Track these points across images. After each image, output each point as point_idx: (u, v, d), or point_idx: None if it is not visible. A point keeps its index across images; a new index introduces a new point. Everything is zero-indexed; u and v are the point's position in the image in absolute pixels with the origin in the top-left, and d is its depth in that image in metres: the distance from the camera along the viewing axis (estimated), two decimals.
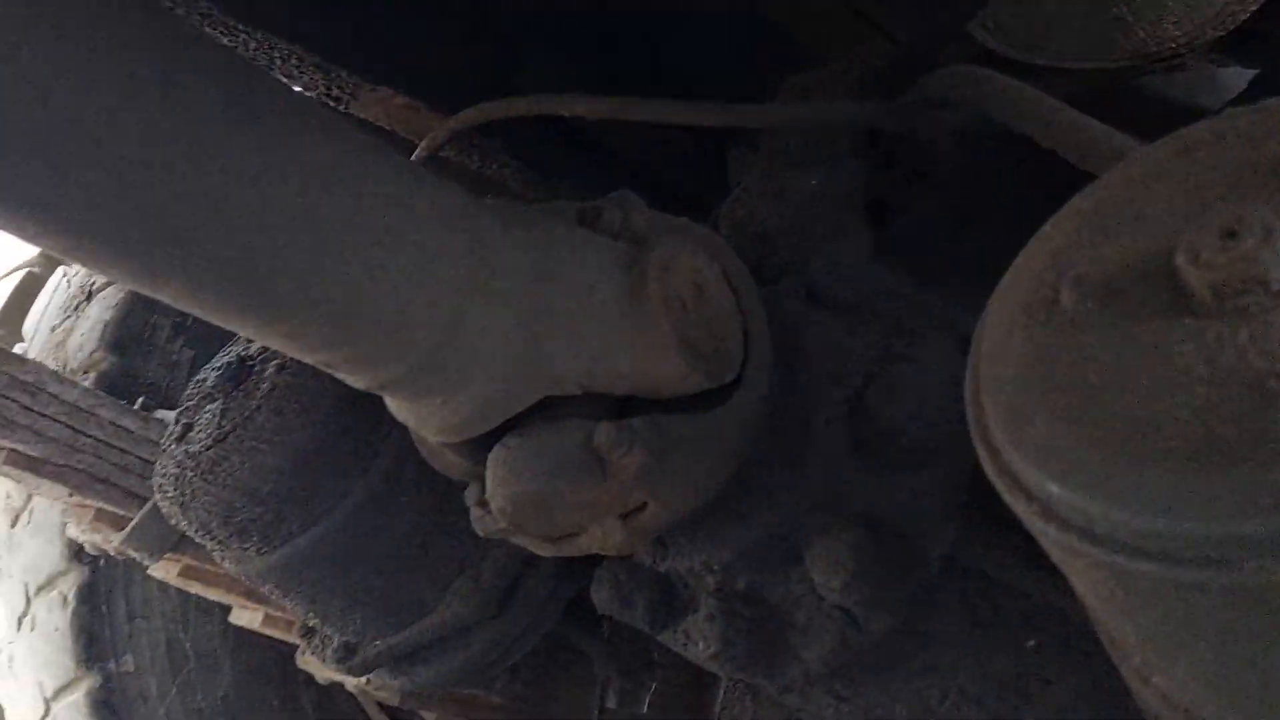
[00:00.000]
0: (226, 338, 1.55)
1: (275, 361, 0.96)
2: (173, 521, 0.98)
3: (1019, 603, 0.89)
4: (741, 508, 0.86)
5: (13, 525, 1.53)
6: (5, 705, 1.66)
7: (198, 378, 1.03)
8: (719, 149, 1.19)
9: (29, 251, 1.96)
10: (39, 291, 1.82)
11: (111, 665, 1.43)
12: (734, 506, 0.86)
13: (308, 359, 0.69)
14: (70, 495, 1.14)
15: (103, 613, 1.43)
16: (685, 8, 1.26)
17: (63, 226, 0.55)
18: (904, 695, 0.94)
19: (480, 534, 0.84)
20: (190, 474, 0.93)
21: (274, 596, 1.03)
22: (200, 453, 0.93)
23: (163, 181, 0.54)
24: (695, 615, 0.92)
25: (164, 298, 0.61)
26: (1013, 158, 1.05)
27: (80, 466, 1.12)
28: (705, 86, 1.10)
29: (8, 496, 1.57)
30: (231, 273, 0.59)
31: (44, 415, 1.09)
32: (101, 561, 1.42)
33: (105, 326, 1.49)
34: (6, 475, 1.12)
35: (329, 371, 0.71)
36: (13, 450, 1.09)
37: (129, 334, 1.50)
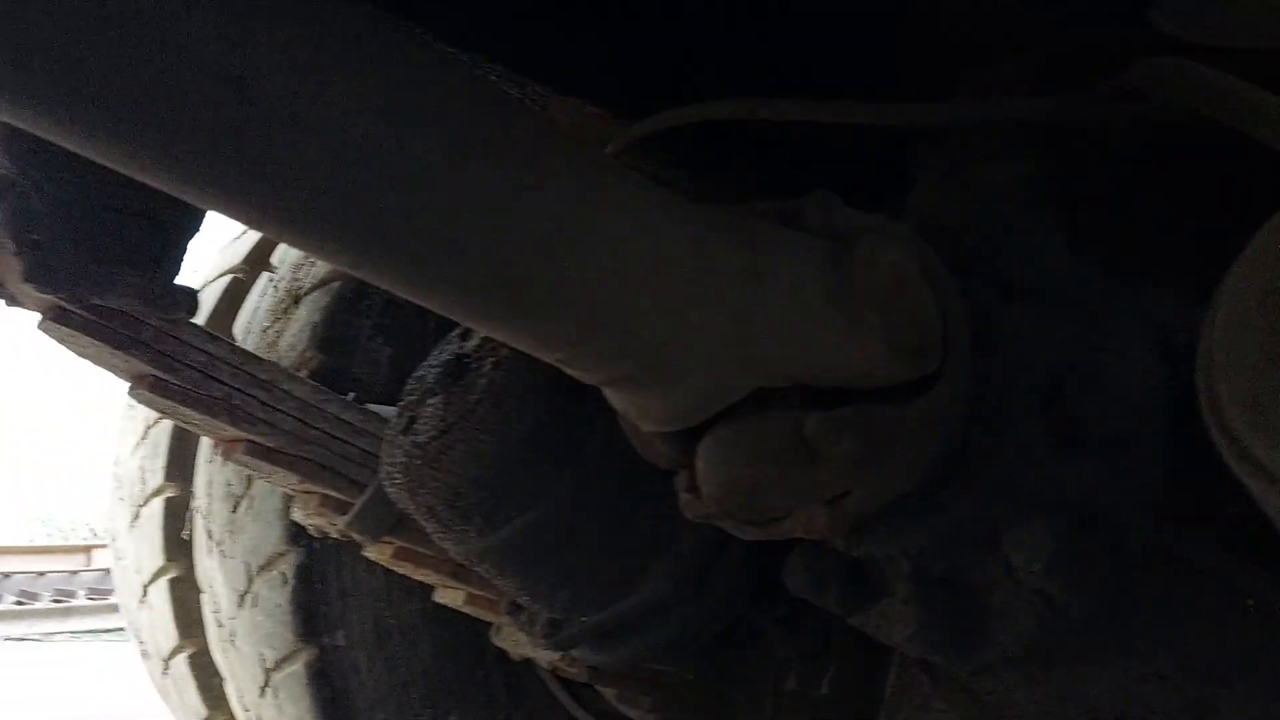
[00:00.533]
0: (422, 336, 1.66)
1: (490, 359, 1.04)
2: (400, 506, 1.07)
3: (1221, 589, 0.89)
4: (939, 495, 0.89)
5: (234, 511, 1.68)
6: (226, 675, 1.82)
7: (416, 374, 1.12)
8: (896, 144, 1.22)
9: (232, 258, 2.13)
10: (243, 296, 1.98)
11: (326, 639, 1.56)
12: (931, 494, 0.89)
13: (546, 357, 0.76)
14: (300, 482, 1.25)
15: (318, 591, 1.56)
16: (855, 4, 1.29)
17: (356, 244, 0.63)
18: (1100, 678, 0.96)
19: (688, 517, 0.89)
20: (418, 463, 1.02)
21: (488, 575, 1.12)
22: (427, 443, 1.02)
23: (441, 200, 0.61)
24: (891, 599, 0.95)
25: (431, 305, 0.69)
26: (1194, 151, 1.05)
27: (309, 456, 1.23)
28: (873, 83, 1.13)
29: (228, 485, 1.72)
30: (491, 282, 0.66)
31: (278, 410, 1.21)
32: (316, 544, 1.55)
33: (314, 328, 1.62)
34: (246, 465, 1.24)
35: (562, 368, 0.78)
36: (251, 441, 1.21)
37: (335, 334, 1.62)
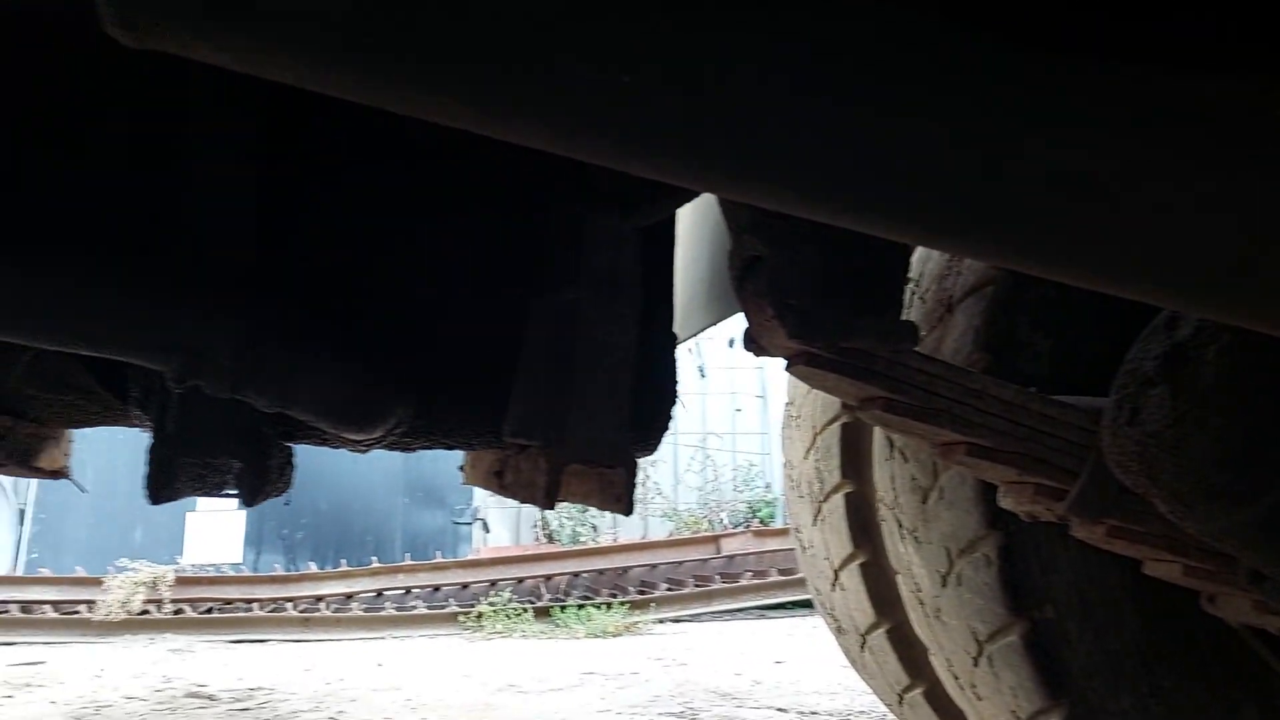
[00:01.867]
0: (1076, 327, 1.73)
1: (1213, 346, 1.10)
2: (1139, 492, 1.17)
3: None
4: None
5: (924, 502, 1.89)
6: (933, 648, 2.03)
7: (1126, 368, 1.21)
8: None
9: None
10: None
11: (1036, 613, 1.69)
12: None
13: None
14: (1017, 475, 1.40)
15: (1021, 569, 1.70)
16: None
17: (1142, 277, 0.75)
18: None
19: None
20: (1155, 451, 1.11)
21: (1232, 550, 1.17)
22: (1161, 432, 1.11)
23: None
24: None
25: (1201, 313, 0.78)
26: None
27: (1023, 451, 1.38)
28: None
29: (913, 478, 1.93)
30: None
31: (990, 413, 1.37)
32: (1013, 526, 1.69)
33: (976, 331, 1.76)
34: (966, 464, 1.41)
35: None
36: (970, 443, 1.38)
37: (996, 335, 1.75)
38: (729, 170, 0.63)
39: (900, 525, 2.00)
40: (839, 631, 2.57)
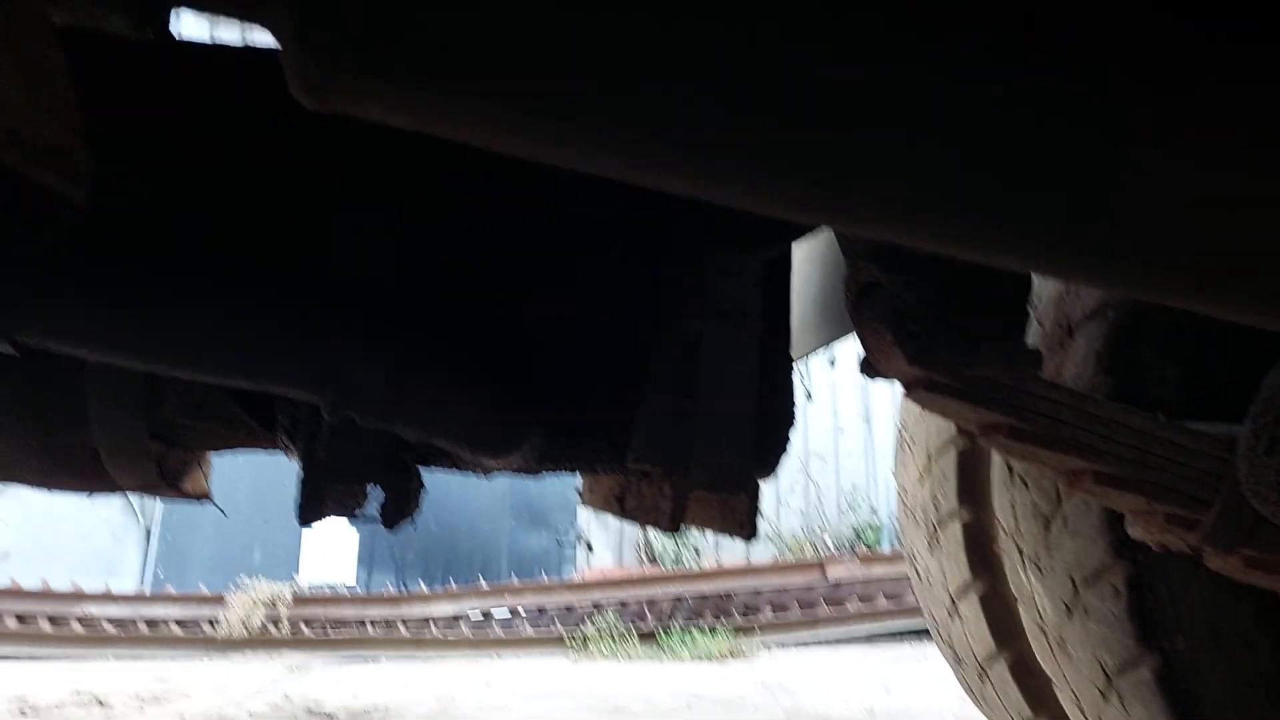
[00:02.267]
0: (1206, 353, 1.69)
1: None
2: (1278, 521, 1.14)
3: None
4: None
5: (1046, 530, 1.85)
6: (1057, 680, 1.99)
7: (1265, 396, 1.19)
8: None
9: None
10: None
11: (1167, 645, 1.65)
12: None
13: None
14: (1147, 504, 1.37)
15: (1150, 600, 1.66)
16: None
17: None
18: None
19: None
20: None
21: None
22: None
23: None
24: None
25: None
26: None
27: (1152, 479, 1.35)
28: None
29: (1034, 505, 1.90)
30: None
31: (1118, 441, 1.35)
32: (1141, 556, 1.65)
33: (1098, 356, 1.73)
34: (1095, 494, 1.39)
35: None
36: (1098, 471, 1.36)
37: (1120, 360, 1.72)
38: (867, 211, 0.66)
39: (1021, 553, 1.96)
40: (957, 662, 2.52)
